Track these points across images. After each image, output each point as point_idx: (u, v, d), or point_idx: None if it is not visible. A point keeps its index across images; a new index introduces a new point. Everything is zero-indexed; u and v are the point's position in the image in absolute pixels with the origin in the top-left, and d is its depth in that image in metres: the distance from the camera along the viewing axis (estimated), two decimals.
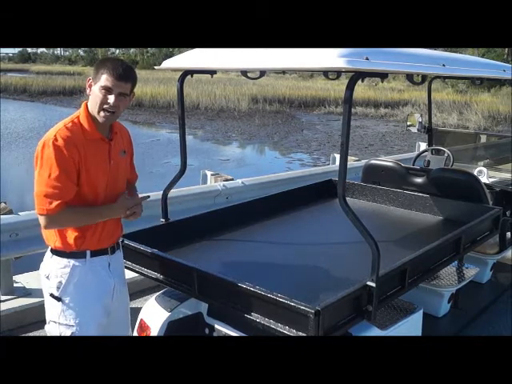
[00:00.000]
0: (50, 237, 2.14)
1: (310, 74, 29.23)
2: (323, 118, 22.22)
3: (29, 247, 3.79)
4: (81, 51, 66.44)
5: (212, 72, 2.89)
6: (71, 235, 2.10)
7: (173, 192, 3.31)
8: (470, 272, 3.47)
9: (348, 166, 2.06)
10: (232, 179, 5.82)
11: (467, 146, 5.69)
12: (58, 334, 2.15)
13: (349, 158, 2.18)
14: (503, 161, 5.26)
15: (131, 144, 2.39)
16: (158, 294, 2.74)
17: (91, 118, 2.11)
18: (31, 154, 2.05)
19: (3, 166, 10.72)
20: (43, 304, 2.22)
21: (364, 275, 2.14)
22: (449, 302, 3.38)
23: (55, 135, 2.00)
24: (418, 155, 5.05)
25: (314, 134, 17.54)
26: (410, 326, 2.51)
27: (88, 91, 2.10)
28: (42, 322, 2.35)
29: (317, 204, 3.90)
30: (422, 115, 5.22)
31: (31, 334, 3.69)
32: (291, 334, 1.95)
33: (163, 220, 2.98)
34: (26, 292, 4.04)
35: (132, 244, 2.54)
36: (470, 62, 3.29)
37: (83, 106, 2.13)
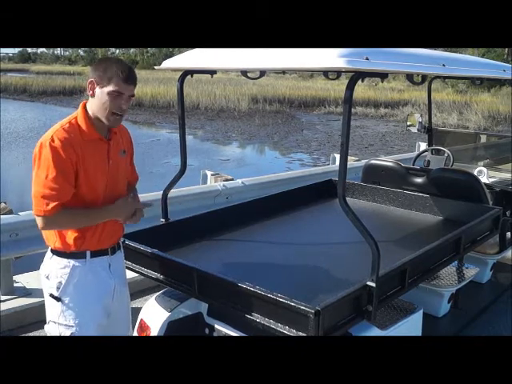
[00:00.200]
0: (50, 237, 2.14)
1: (310, 74, 29.23)
2: (323, 118, 22.22)
3: (29, 247, 3.79)
4: (81, 51, 66.48)
5: (212, 72, 2.89)
6: (71, 236, 2.10)
7: (173, 192, 3.31)
8: (470, 272, 3.47)
9: (348, 166, 2.06)
10: (232, 179, 5.82)
11: (467, 145, 5.69)
12: (58, 335, 2.15)
13: (349, 157, 2.18)
14: (503, 161, 5.26)
15: (131, 144, 2.39)
16: (157, 294, 2.74)
17: (89, 118, 2.10)
18: (31, 153, 2.05)
19: (3, 166, 10.72)
20: (43, 304, 2.22)
21: (364, 275, 2.14)
22: (449, 302, 3.38)
23: (52, 136, 1.99)
24: (418, 155, 5.05)
25: (314, 134, 17.54)
26: (410, 326, 2.51)
27: (90, 93, 2.07)
28: (41, 322, 2.35)
29: (317, 204, 3.90)
30: (422, 115, 5.22)
31: (31, 334, 3.69)
32: (291, 334, 1.95)
33: (163, 220, 2.98)
34: (26, 292, 4.04)
35: (132, 244, 2.55)
36: (470, 62, 3.29)
37: (81, 106, 2.12)
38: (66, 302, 2.12)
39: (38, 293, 3.89)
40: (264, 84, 28.16)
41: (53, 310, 2.15)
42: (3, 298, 3.94)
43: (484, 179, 4.45)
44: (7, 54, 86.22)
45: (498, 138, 6.31)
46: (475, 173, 4.47)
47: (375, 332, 2.26)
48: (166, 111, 22.95)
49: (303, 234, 3.30)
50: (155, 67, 3.18)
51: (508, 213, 3.97)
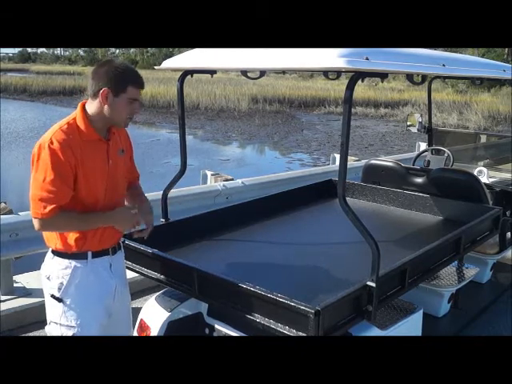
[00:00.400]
0: (51, 238, 2.13)
1: (310, 74, 29.23)
2: (323, 118, 22.22)
3: (29, 247, 3.79)
4: (81, 51, 66.42)
5: (212, 72, 2.89)
6: (72, 236, 2.10)
7: (173, 192, 3.31)
8: (470, 272, 3.47)
9: (348, 166, 2.06)
10: (232, 179, 5.82)
11: (467, 145, 5.69)
12: (60, 335, 2.15)
13: (349, 157, 2.18)
14: (503, 161, 5.26)
15: (130, 142, 2.39)
16: (157, 293, 2.74)
17: (88, 119, 2.10)
18: (31, 153, 2.05)
19: (3, 166, 10.71)
20: (43, 304, 2.22)
21: (364, 275, 2.14)
22: (449, 302, 3.38)
23: (51, 138, 1.99)
24: (418, 155, 5.05)
25: (314, 134, 17.54)
26: (410, 326, 2.51)
27: (103, 102, 2.05)
28: (42, 322, 2.35)
29: (317, 204, 3.90)
30: (422, 115, 5.21)
31: (31, 334, 3.69)
32: (291, 334, 1.95)
33: (163, 220, 2.98)
34: (26, 292, 4.04)
35: (132, 244, 2.54)
36: (470, 61, 3.29)
37: (79, 107, 2.12)
38: (68, 302, 2.12)
39: (37, 293, 3.89)
40: (264, 84, 28.16)
41: (54, 310, 2.15)
42: (3, 298, 3.94)
43: (484, 179, 4.45)
44: (7, 54, 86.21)
45: (498, 138, 6.31)
46: (475, 173, 4.47)
47: (375, 332, 2.26)
48: (166, 111, 22.95)
49: (303, 234, 3.30)
50: (155, 67, 3.18)
51: (508, 213, 3.96)
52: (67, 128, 2.05)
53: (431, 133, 5.20)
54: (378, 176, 4.09)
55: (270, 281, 2.40)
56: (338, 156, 6.90)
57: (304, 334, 1.91)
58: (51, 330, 2.17)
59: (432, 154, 4.84)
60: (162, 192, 2.97)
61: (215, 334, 2.57)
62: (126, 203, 2.36)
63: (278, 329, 1.98)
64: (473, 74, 3.17)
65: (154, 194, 4.11)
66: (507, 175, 4.88)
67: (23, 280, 4.21)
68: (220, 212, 3.36)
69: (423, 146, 8.13)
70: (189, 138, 14.64)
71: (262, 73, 2.93)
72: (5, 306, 3.85)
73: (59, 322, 2.13)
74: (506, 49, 28.68)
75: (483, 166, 4.97)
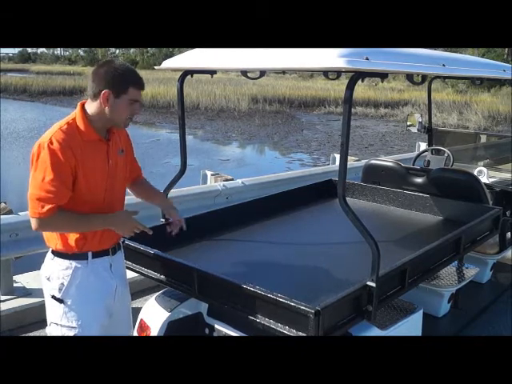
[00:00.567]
0: (51, 239, 2.13)
1: (310, 74, 29.23)
2: (323, 118, 22.22)
3: (29, 247, 3.79)
4: (81, 51, 66.45)
5: (212, 72, 2.89)
6: (72, 237, 2.10)
7: (173, 192, 3.31)
8: (470, 272, 3.47)
9: (348, 166, 2.06)
10: (232, 179, 5.82)
11: (467, 145, 5.69)
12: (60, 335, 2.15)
13: (349, 157, 2.18)
14: (503, 161, 5.26)
15: (129, 141, 2.39)
16: (157, 293, 2.74)
17: (88, 119, 2.10)
18: (31, 153, 2.04)
19: (3, 166, 10.71)
20: (43, 304, 2.22)
21: (364, 275, 2.14)
22: (449, 302, 3.38)
23: (50, 138, 1.98)
24: (418, 155, 5.05)
25: (314, 134, 17.54)
26: (410, 326, 2.51)
27: (103, 103, 2.05)
28: (42, 322, 2.35)
29: (317, 204, 3.90)
30: (422, 115, 5.22)
31: (31, 334, 3.69)
32: (291, 334, 1.95)
33: (163, 220, 2.98)
34: (26, 292, 4.04)
35: (132, 244, 2.54)
36: (470, 61, 3.29)
37: (79, 107, 2.12)
38: (69, 303, 2.11)
39: (37, 293, 3.89)
40: (264, 84, 28.16)
41: (55, 311, 2.14)
42: (3, 298, 3.94)
43: (484, 179, 4.45)
44: (7, 54, 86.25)
45: (498, 138, 6.31)
46: (475, 173, 4.47)
47: (375, 332, 2.26)
48: (166, 111, 22.95)
49: (303, 234, 3.30)
50: (155, 67, 3.18)
51: (508, 213, 3.97)
52: (67, 128, 2.04)
53: (431, 133, 5.20)
54: (378, 176, 4.09)
55: (270, 281, 2.40)
56: (337, 156, 6.90)
57: (304, 334, 1.91)
58: (52, 331, 2.17)
59: (432, 153, 4.84)
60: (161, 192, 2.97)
61: (215, 334, 2.57)
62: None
63: (278, 329, 1.98)
64: (473, 73, 3.17)
65: None
66: (507, 175, 4.87)
67: (23, 280, 4.21)
68: (220, 212, 3.36)
69: (423, 146, 8.13)
70: (189, 138, 14.64)
71: (262, 73, 2.93)
72: (5, 306, 3.85)
73: (60, 323, 2.13)
74: (506, 49, 28.68)
75: (483, 166, 4.97)
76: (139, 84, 2.11)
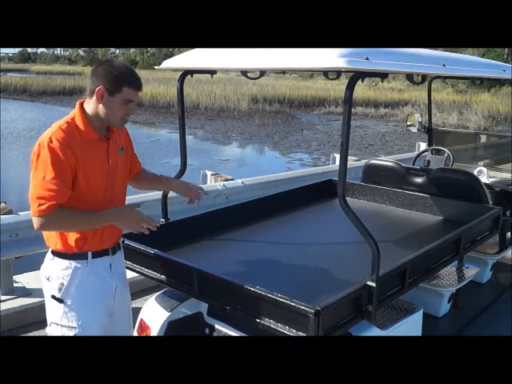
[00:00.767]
0: (51, 239, 2.13)
1: (310, 74, 29.23)
2: (323, 118, 22.22)
3: (29, 247, 3.79)
4: (81, 51, 66.45)
5: (212, 72, 2.89)
6: (72, 237, 2.10)
7: (173, 192, 3.31)
8: (470, 272, 3.47)
9: (348, 166, 2.06)
10: (232, 179, 5.82)
11: (467, 145, 5.69)
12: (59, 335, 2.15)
13: (349, 157, 2.18)
14: (503, 161, 5.26)
15: (129, 140, 2.39)
16: (157, 293, 2.74)
17: (87, 118, 2.09)
18: (31, 153, 2.04)
19: (3, 165, 10.71)
20: (43, 304, 2.22)
21: (364, 275, 2.14)
22: (449, 302, 3.38)
23: (50, 137, 1.98)
24: (418, 155, 5.05)
25: (314, 134, 17.54)
26: (410, 326, 2.51)
27: (98, 100, 2.05)
28: (42, 322, 2.35)
29: (317, 204, 3.90)
30: (422, 115, 5.21)
31: (31, 334, 3.69)
32: (291, 334, 1.95)
33: (163, 220, 2.98)
34: (26, 292, 4.04)
35: (132, 244, 2.54)
36: (470, 61, 3.29)
37: (78, 106, 2.12)
38: (69, 303, 2.11)
39: (37, 293, 3.89)
40: (264, 84, 28.16)
41: (55, 311, 2.14)
42: (3, 297, 3.94)
43: (484, 179, 4.45)
44: (7, 54, 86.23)
45: (498, 138, 6.31)
46: (475, 173, 4.47)
47: (375, 332, 2.26)
48: (166, 111, 22.95)
49: (303, 233, 3.30)
50: (155, 67, 3.17)
51: (508, 213, 3.97)
52: (66, 127, 2.04)
53: (431, 133, 5.20)
54: (378, 176, 4.09)
55: (270, 281, 2.40)
56: (338, 156, 6.90)
57: (304, 334, 1.91)
58: (52, 331, 2.16)
59: (432, 153, 4.84)
60: (161, 192, 2.97)
61: (215, 334, 2.57)
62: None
63: (278, 329, 1.98)
64: (473, 73, 3.17)
65: (154, 194, 4.13)
66: (507, 175, 4.87)
67: (23, 280, 4.21)
68: (220, 212, 3.36)
69: (423, 146, 8.12)
70: (189, 138, 14.63)
71: (262, 73, 2.93)
72: (5, 306, 3.85)
73: (60, 323, 2.13)
74: (506, 49, 28.68)
75: (483, 166, 4.97)
76: (135, 84, 2.09)
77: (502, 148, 5.43)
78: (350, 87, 1.97)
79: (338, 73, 3.39)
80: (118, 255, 2.31)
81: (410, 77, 2.42)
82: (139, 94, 2.14)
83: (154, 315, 2.61)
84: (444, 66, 2.59)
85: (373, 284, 2.08)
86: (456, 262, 3.38)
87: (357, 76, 2.00)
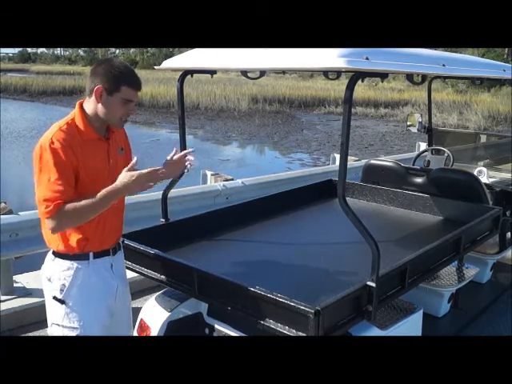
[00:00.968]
0: (53, 240, 2.12)
1: (310, 74, 29.23)
2: (323, 118, 22.22)
3: (29, 247, 3.79)
4: (81, 51, 66.49)
5: (212, 72, 2.89)
6: (74, 238, 2.10)
7: (173, 192, 3.30)
8: (470, 272, 3.47)
9: (348, 166, 2.06)
10: (232, 179, 5.82)
11: (467, 145, 5.69)
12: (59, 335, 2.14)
13: (349, 157, 2.18)
14: (503, 161, 5.26)
15: (128, 142, 2.39)
16: (158, 293, 2.74)
17: (87, 118, 2.09)
18: (31, 153, 2.04)
19: (3, 165, 10.71)
20: (43, 304, 2.22)
21: (364, 275, 2.14)
22: (449, 302, 3.38)
23: (51, 138, 1.98)
24: (418, 155, 5.05)
25: (314, 134, 17.54)
26: (410, 326, 2.51)
27: (97, 100, 2.05)
28: (42, 322, 2.35)
29: (317, 204, 3.90)
30: (422, 115, 5.21)
31: (31, 334, 3.69)
32: (291, 334, 1.95)
33: (163, 220, 2.98)
34: (26, 292, 4.04)
35: (132, 244, 2.54)
36: (470, 61, 3.29)
37: (77, 106, 2.12)
38: (71, 304, 2.11)
39: (37, 293, 3.89)
40: (264, 84, 28.16)
41: (56, 312, 2.14)
42: (3, 297, 3.94)
43: (484, 179, 4.45)
44: (7, 54, 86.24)
45: (498, 138, 6.31)
46: (475, 173, 4.47)
47: (375, 332, 2.26)
48: (166, 111, 22.95)
49: (303, 234, 3.30)
50: (155, 67, 3.17)
51: (508, 213, 3.97)
52: (67, 128, 2.04)
53: (431, 133, 5.20)
54: (378, 176, 4.09)
55: (269, 281, 2.40)
56: (338, 156, 6.90)
57: (304, 334, 1.91)
58: (53, 332, 2.16)
59: (432, 154, 4.84)
60: (161, 192, 2.97)
61: (215, 334, 2.57)
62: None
63: (278, 329, 1.98)
64: (473, 73, 3.17)
65: (154, 194, 4.12)
66: (507, 175, 4.87)
67: (23, 280, 4.21)
68: (220, 212, 3.36)
69: (423, 146, 8.13)
70: (189, 138, 14.52)
71: (262, 73, 2.93)
72: (5, 306, 3.85)
73: (62, 324, 2.12)
74: (506, 49, 28.68)
75: (483, 166, 4.97)
76: (134, 84, 2.08)
77: (501, 148, 5.43)
78: (350, 87, 1.97)
79: (338, 73, 3.39)
80: (119, 255, 2.31)
81: (409, 77, 2.42)
82: (139, 93, 2.14)
83: (154, 315, 2.61)
84: (444, 66, 2.59)
85: (373, 284, 2.08)
86: (456, 262, 3.38)
87: (357, 76, 2.00)
